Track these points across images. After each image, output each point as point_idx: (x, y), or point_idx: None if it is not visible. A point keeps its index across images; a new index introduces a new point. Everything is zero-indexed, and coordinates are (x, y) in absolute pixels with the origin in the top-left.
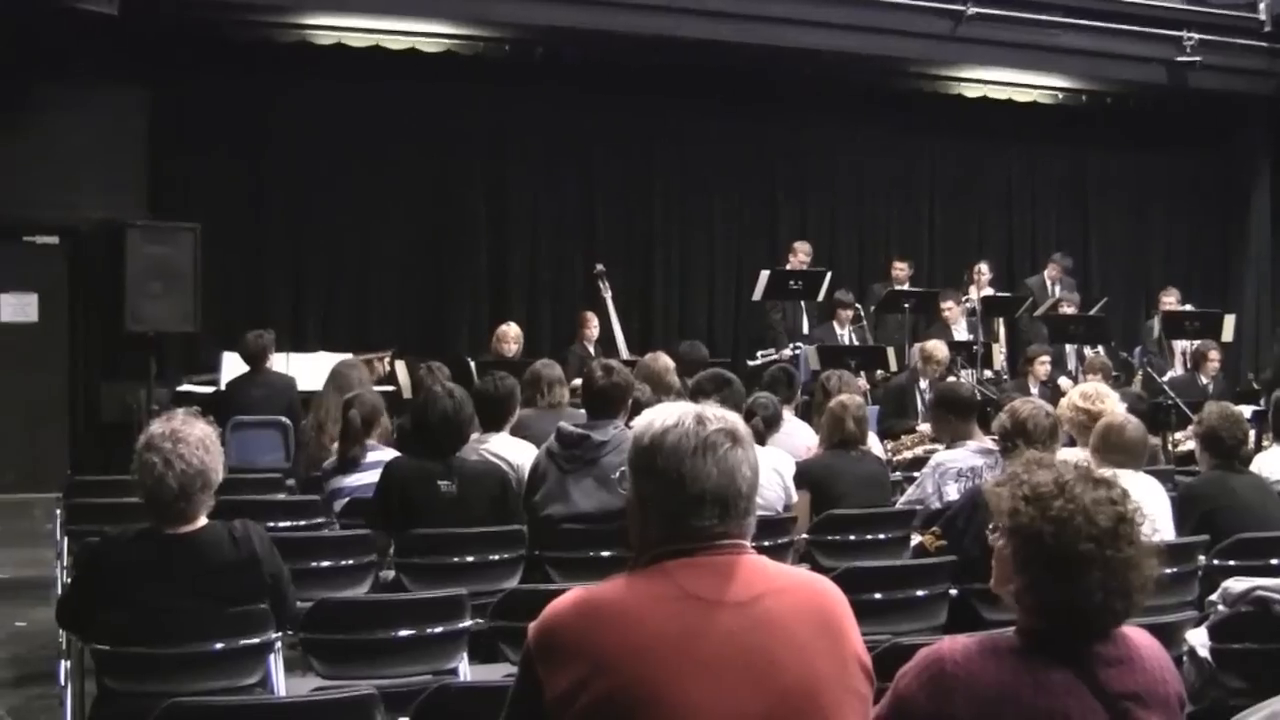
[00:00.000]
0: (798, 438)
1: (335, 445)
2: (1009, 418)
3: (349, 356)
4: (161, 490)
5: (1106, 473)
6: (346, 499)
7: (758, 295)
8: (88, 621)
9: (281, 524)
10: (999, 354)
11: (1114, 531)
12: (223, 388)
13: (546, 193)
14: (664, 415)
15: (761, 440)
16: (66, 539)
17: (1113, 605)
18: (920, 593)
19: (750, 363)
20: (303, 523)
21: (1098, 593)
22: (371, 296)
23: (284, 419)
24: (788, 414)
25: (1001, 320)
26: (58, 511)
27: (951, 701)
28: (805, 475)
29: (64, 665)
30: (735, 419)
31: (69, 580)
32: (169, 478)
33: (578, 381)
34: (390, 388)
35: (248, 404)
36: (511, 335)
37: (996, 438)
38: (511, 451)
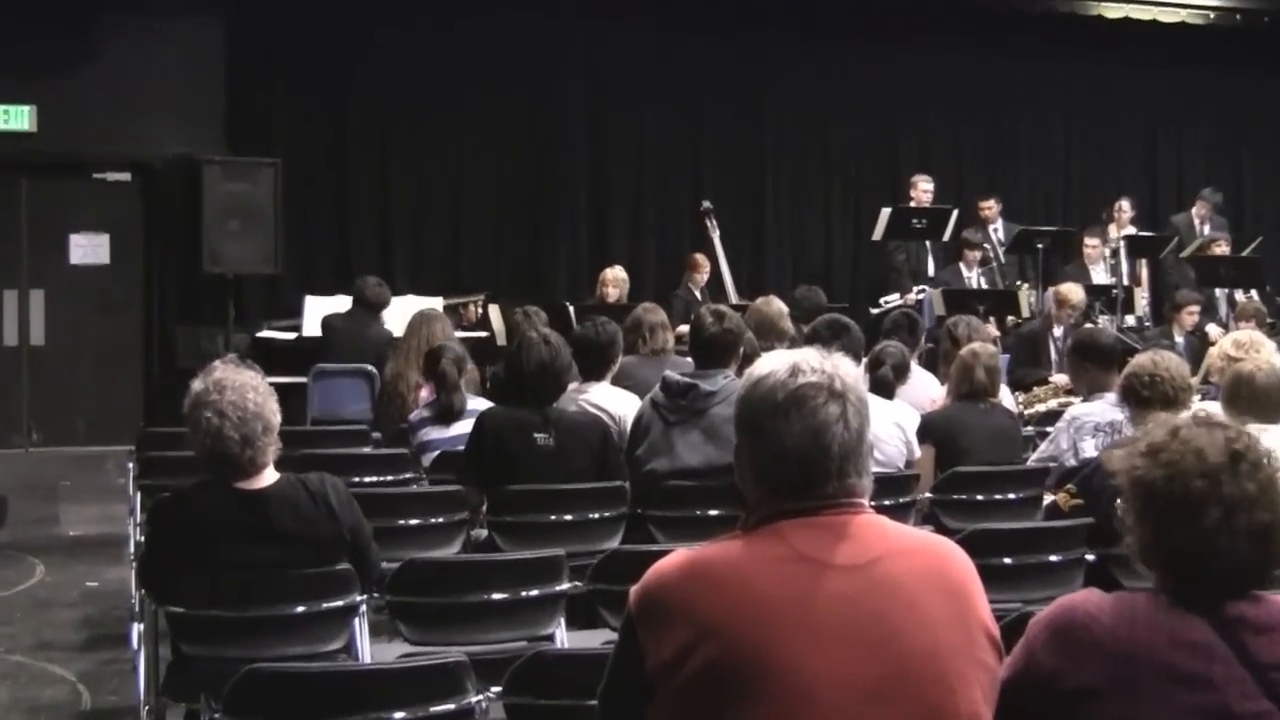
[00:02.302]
0: (921, 388)
1: (415, 395)
2: (1131, 375)
3: (435, 303)
4: (223, 444)
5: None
6: (437, 452)
7: (878, 235)
8: (163, 582)
9: (367, 479)
10: (1141, 299)
11: (1230, 467)
12: (313, 333)
13: (650, 127)
14: (765, 364)
15: (890, 391)
16: (139, 494)
17: (1241, 551)
18: (1054, 558)
19: (872, 309)
20: (389, 478)
21: (1221, 536)
22: (464, 237)
23: (369, 367)
24: (912, 363)
25: (1144, 262)
26: (130, 464)
27: (1083, 658)
28: (929, 429)
29: (136, 629)
30: (844, 369)
31: (144, 539)
32: (227, 428)
33: (683, 328)
34: (483, 333)
35: (347, 354)
36: (611, 279)
37: (1118, 397)
38: (613, 402)
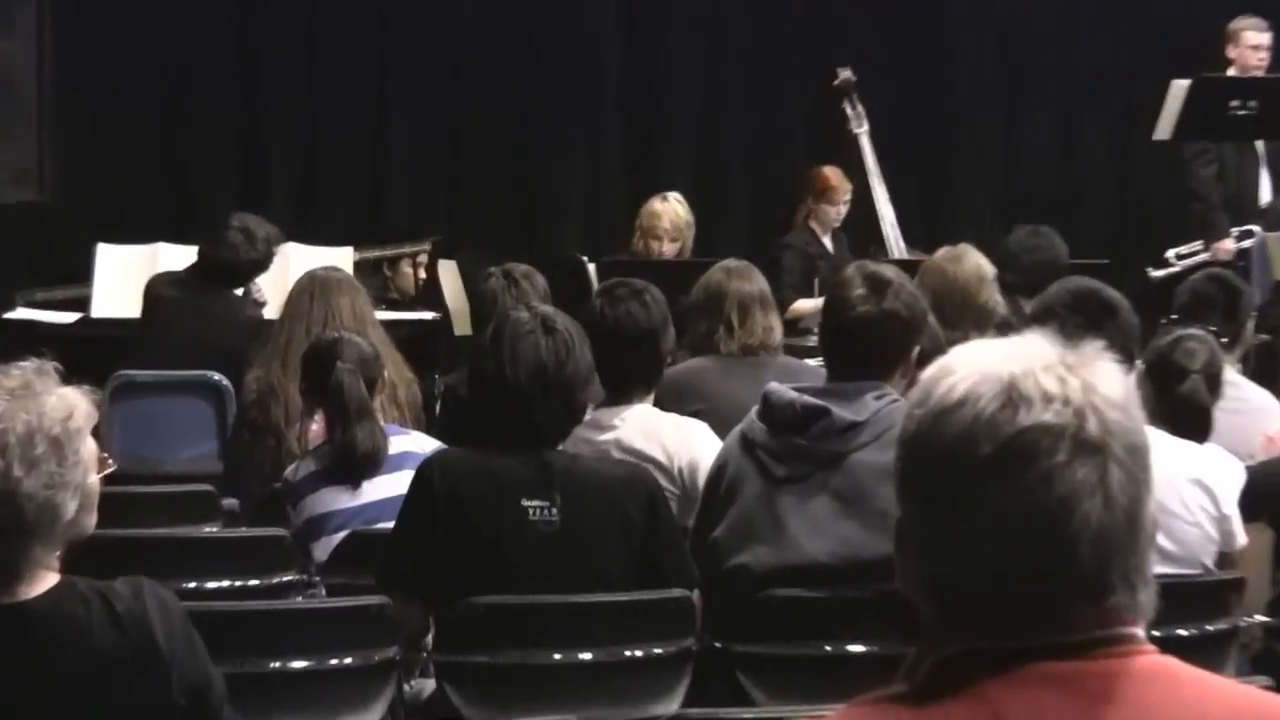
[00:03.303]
0: (1248, 415)
1: (302, 428)
2: None
3: (340, 260)
4: None
5: None
6: (341, 534)
7: (1164, 132)
8: None
9: (211, 584)
10: None
11: None
12: (112, 312)
13: None
14: (955, 376)
15: (1193, 425)
16: None
17: None
18: None
19: (1153, 271)
20: (254, 582)
21: None
22: (396, 146)
23: (217, 376)
24: (1229, 369)
25: None
26: None
27: None
28: (1266, 492)
29: None
30: (1106, 390)
31: None
32: None
33: (803, 305)
34: (429, 314)
35: (180, 351)
36: (668, 219)
37: None
38: (667, 439)
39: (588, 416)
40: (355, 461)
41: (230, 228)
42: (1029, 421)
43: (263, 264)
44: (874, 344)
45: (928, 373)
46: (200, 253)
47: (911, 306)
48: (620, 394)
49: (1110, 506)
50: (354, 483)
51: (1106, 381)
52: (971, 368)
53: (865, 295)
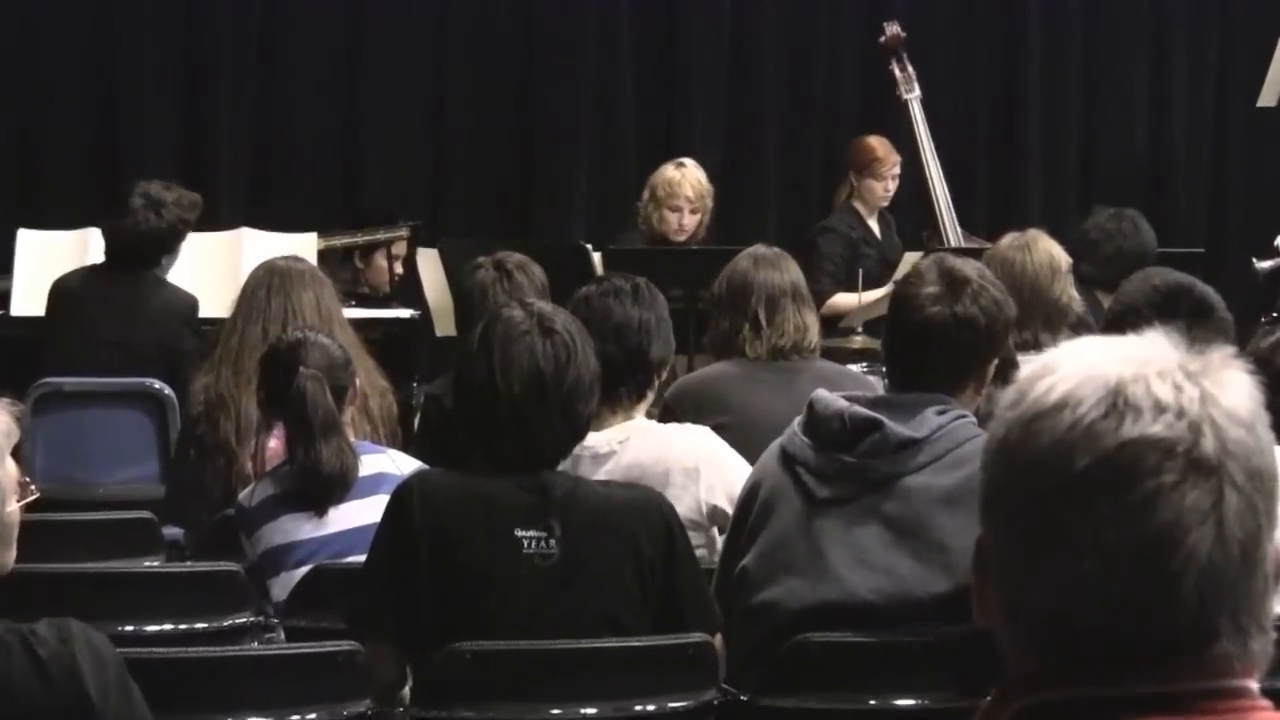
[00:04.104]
0: None
1: (259, 444)
2: None
3: (303, 248)
4: None
5: None
6: (304, 569)
7: (1270, 98)
8: None
9: (151, 627)
10: None
11: None
12: (32, 310)
13: None
14: (1052, 376)
15: None
16: None
17: None
18: None
19: (1259, 262)
20: (202, 625)
21: None
22: (370, 114)
23: (156, 383)
24: None
25: None
26: None
27: None
28: None
29: None
30: (1229, 404)
31: None
32: None
33: (844, 300)
34: (406, 312)
35: (103, 354)
36: (691, 186)
37: None
38: (678, 455)
39: (598, 437)
40: (320, 484)
41: (132, 196)
42: (1134, 434)
43: (174, 233)
44: (941, 353)
45: (1025, 371)
46: (103, 234)
47: (991, 313)
48: (604, 401)
49: (1223, 539)
50: (319, 509)
51: (1231, 394)
52: (1075, 367)
53: (938, 295)
